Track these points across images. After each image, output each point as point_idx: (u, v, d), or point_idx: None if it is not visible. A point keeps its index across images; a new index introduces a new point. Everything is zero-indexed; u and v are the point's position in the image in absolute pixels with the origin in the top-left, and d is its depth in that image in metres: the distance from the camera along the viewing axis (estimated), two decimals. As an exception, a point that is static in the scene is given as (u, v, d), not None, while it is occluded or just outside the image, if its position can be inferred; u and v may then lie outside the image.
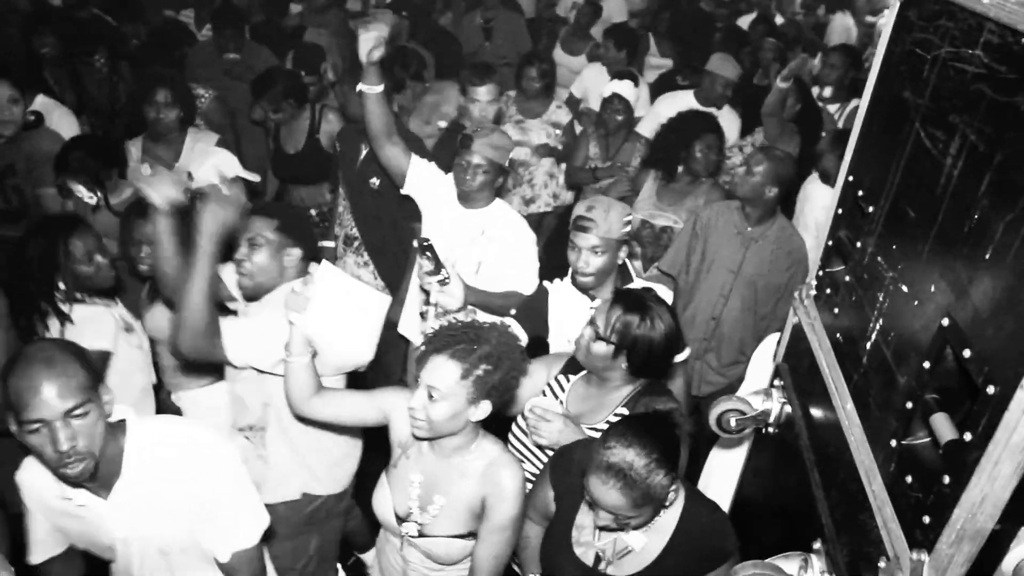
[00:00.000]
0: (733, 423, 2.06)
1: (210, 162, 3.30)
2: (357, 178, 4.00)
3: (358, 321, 2.23)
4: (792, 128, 4.68)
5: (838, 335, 1.78)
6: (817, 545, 1.62)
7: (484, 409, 2.12)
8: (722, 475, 2.66)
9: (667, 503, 1.99)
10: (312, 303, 2.20)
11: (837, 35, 7.60)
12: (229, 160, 3.47)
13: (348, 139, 4.31)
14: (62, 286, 2.85)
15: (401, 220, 3.89)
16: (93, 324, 2.86)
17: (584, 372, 2.48)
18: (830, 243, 1.93)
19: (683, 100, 4.93)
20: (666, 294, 2.79)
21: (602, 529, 2.03)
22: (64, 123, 4.18)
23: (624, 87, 4.65)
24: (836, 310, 1.82)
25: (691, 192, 4.04)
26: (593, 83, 5.70)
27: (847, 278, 1.78)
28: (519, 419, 2.51)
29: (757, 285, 3.47)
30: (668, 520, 2.03)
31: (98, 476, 1.86)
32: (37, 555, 2.10)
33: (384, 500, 2.27)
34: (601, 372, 2.39)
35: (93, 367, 1.83)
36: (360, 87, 3.11)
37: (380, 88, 3.10)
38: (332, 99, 5.02)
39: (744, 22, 7.34)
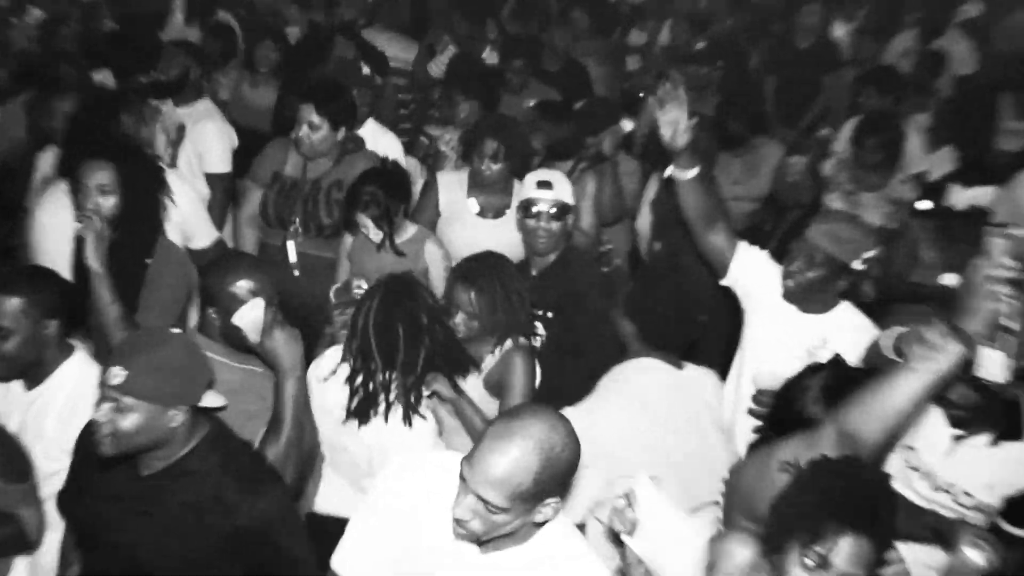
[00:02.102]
0: None
1: None
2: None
3: (678, 545, 2.08)
4: None
5: None
6: None
7: None
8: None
9: None
10: (639, 526, 2.06)
11: None
12: None
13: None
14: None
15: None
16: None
17: None
18: None
19: None
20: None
21: None
22: (390, 150, 4.17)
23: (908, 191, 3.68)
24: None
25: None
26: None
27: None
28: None
29: None
30: None
31: (490, 543, 1.80)
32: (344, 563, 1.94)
33: None
34: None
35: (560, 482, 1.74)
36: (670, 172, 2.68)
37: (694, 172, 2.64)
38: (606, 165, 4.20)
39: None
